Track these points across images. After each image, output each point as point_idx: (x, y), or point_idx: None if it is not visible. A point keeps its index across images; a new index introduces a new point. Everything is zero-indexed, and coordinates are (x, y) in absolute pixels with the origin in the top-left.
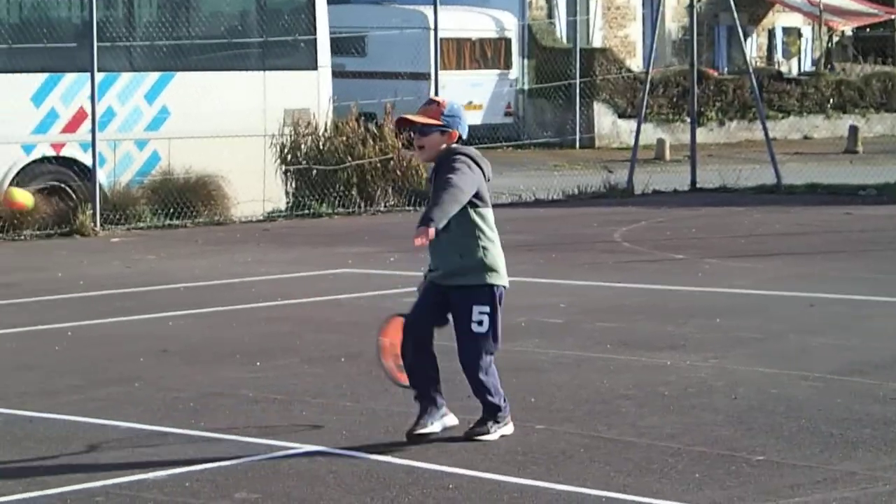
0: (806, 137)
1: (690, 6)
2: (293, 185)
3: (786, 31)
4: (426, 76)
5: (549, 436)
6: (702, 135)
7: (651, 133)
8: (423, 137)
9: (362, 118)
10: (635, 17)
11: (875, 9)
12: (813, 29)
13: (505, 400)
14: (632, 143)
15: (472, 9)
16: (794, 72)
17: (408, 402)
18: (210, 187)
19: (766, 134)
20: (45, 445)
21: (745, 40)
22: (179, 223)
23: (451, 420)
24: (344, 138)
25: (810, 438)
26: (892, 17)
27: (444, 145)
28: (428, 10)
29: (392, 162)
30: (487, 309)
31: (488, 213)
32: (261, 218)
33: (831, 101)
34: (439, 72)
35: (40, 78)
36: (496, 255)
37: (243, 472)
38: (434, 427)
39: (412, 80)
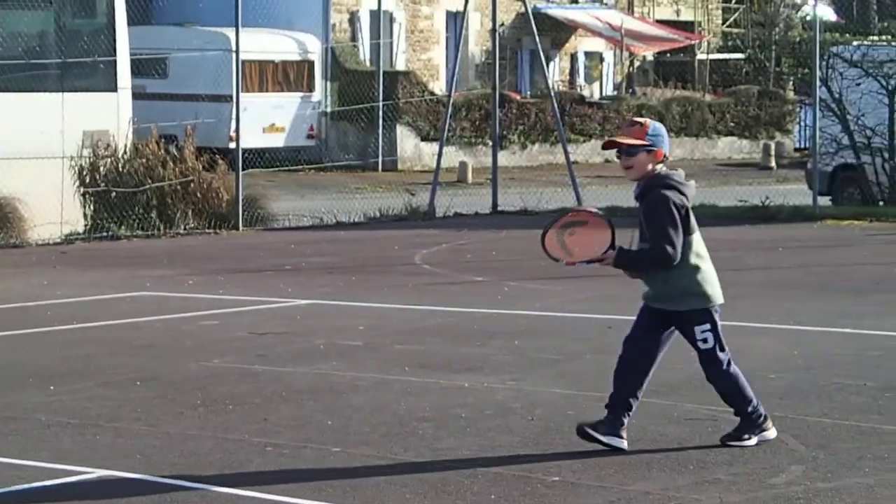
0: (607, 161)
1: (493, 30)
2: (92, 207)
3: (588, 55)
4: (228, 98)
5: (345, 459)
6: (504, 158)
7: (454, 156)
8: (629, 158)
9: (163, 140)
10: (438, 40)
11: (675, 34)
12: (615, 54)
13: (758, 405)
14: (434, 165)
15: (276, 31)
16: (596, 96)
17: (203, 426)
18: (6, 209)
19: (567, 157)
20: None
21: (548, 64)
22: None
23: (620, 443)
24: (144, 160)
25: (606, 459)
26: (692, 42)
27: (650, 165)
28: (230, 32)
29: (192, 184)
30: (707, 327)
31: (694, 239)
32: (58, 240)
33: None
34: (242, 94)
35: None
36: (701, 279)
37: (36, 498)
38: (601, 437)
39: (214, 101)
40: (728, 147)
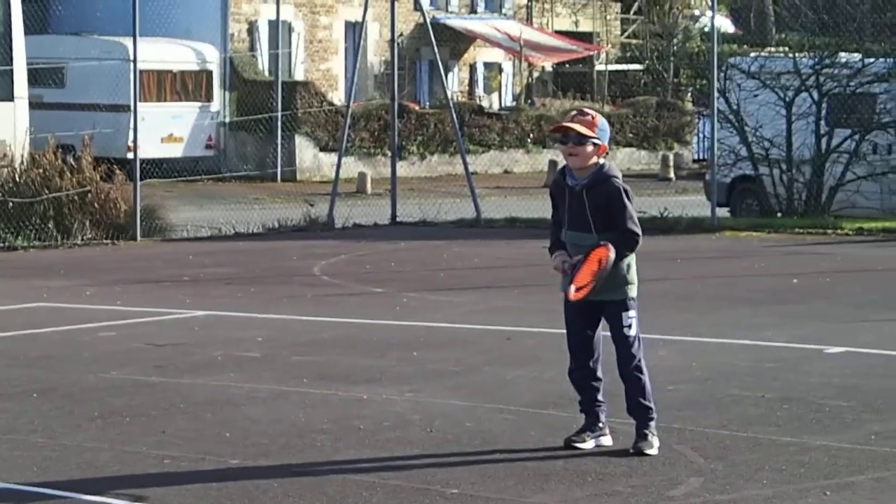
0: (507, 171)
1: (392, 41)
2: None
3: (487, 66)
4: (126, 108)
5: (244, 471)
6: (403, 168)
7: (353, 166)
8: (577, 147)
9: (60, 150)
10: (337, 50)
11: (574, 45)
12: (514, 64)
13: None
14: (333, 176)
15: (174, 41)
16: (496, 106)
17: (100, 438)
18: None
19: (466, 168)
20: None
21: (447, 75)
22: None
23: (606, 440)
24: (41, 171)
25: (505, 471)
26: (591, 53)
27: (594, 157)
28: (128, 42)
29: (90, 195)
30: (633, 314)
31: None
32: None
33: (531, 135)
34: (140, 103)
35: None
36: (636, 270)
37: None
38: (588, 444)
39: (112, 111)
40: (627, 158)
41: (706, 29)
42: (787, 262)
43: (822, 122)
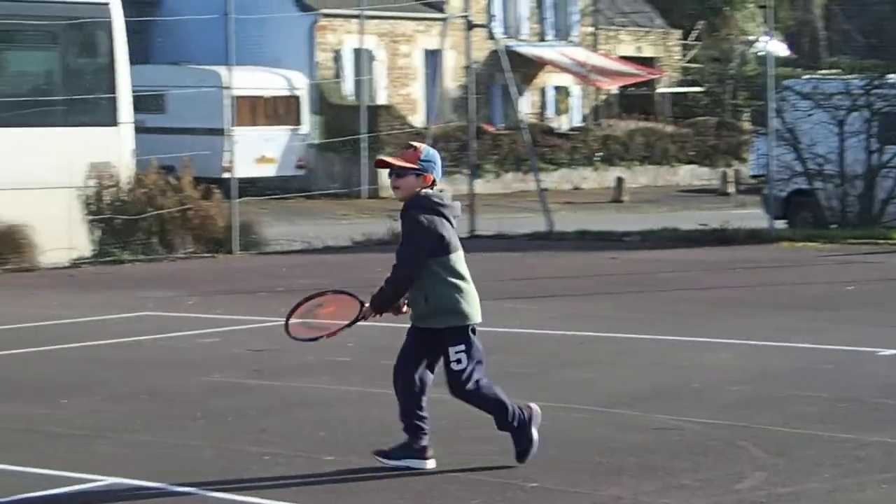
0: (576, 188)
1: (468, 67)
2: (98, 233)
3: (556, 89)
4: (221, 132)
5: (337, 466)
6: (480, 186)
7: None
8: (398, 179)
9: (162, 171)
10: (417, 76)
11: (637, 69)
12: (581, 88)
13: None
14: None
15: (265, 69)
16: (565, 127)
17: (203, 436)
18: (17, 236)
19: (539, 185)
20: None
21: (519, 98)
22: None
23: (421, 464)
24: (145, 190)
25: (579, 466)
26: (654, 77)
27: (418, 188)
28: (222, 70)
29: (190, 212)
30: (461, 347)
31: (452, 258)
32: (67, 265)
33: (599, 154)
34: (234, 128)
35: None
36: (459, 298)
37: None
38: (399, 462)
39: (208, 135)
40: (688, 174)
41: (761, 53)
42: (841, 270)
43: (873, 139)
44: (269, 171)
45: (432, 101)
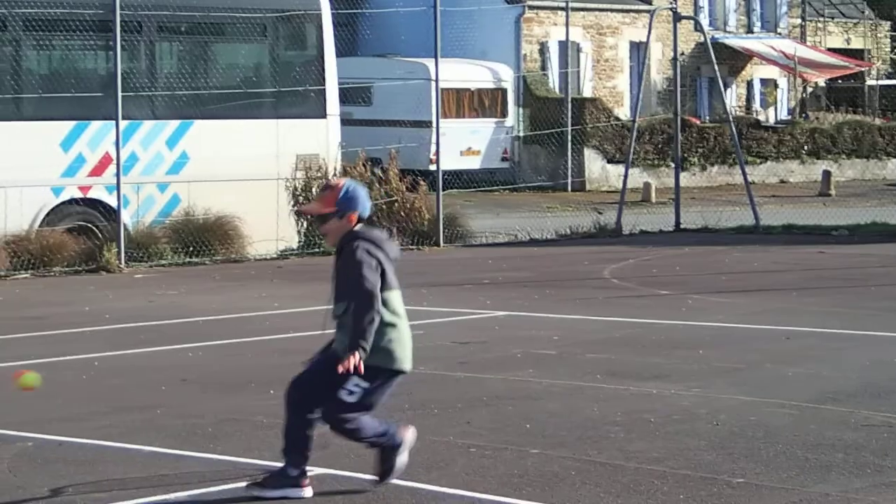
0: (782, 181)
1: (674, 59)
2: (304, 225)
3: (763, 82)
4: (428, 124)
5: (543, 459)
6: (685, 179)
7: (638, 177)
8: (323, 225)
9: (369, 163)
10: (623, 69)
11: (846, 61)
12: (788, 80)
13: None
14: (620, 186)
15: (471, 61)
16: (771, 120)
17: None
18: (227, 227)
19: (745, 178)
20: (74, 468)
21: (726, 91)
22: (198, 261)
23: (307, 492)
24: None
25: (787, 462)
26: (862, 69)
27: (345, 230)
28: (429, 63)
29: (396, 204)
30: (366, 385)
31: (389, 296)
32: (274, 256)
33: (806, 147)
34: (440, 120)
35: (69, 125)
36: (392, 338)
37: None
38: (273, 493)
39: (415, 127)
40: None
41: None
42: None
43: None
44: (474, 163)
45: (638, 94)
